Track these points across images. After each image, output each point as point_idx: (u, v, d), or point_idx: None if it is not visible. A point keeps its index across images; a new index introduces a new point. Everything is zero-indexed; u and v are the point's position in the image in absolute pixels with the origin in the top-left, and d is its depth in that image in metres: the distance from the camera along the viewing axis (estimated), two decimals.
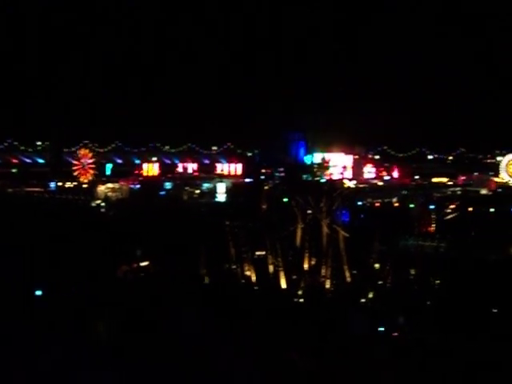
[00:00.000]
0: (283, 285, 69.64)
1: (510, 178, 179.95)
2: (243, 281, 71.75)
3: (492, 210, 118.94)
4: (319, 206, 73.74)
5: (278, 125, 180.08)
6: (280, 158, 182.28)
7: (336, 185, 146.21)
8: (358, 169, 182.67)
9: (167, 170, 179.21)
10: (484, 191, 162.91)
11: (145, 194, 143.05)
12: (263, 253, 74.42)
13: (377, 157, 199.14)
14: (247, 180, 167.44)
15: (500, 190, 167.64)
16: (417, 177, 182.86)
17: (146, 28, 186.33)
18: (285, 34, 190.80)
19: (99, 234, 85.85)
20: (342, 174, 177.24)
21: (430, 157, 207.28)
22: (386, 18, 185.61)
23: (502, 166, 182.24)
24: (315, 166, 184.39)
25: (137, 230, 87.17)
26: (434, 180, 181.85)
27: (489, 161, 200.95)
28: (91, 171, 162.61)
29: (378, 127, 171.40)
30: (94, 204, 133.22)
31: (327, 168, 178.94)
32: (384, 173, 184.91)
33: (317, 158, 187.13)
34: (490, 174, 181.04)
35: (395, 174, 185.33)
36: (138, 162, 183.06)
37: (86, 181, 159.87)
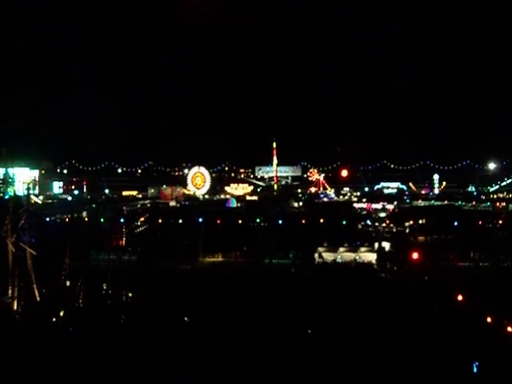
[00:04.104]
0: None
1: (196, 190, 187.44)
2: None
3: (180, 221, 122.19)
4: (4, 224, 68.61)
5: None
6: None
7: (22, 201, 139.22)
8: (45, 183, 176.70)
9: None
10: (173, 203, 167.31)
11: None
12: None
13: (65, 171, 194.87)
14: None
15: (189, 201, 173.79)
16: (107, 191, 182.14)
17: None
18: None
19: None
20: (28, 189, 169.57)
21: (119, 170, 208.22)
22: None
23: (189, 178, 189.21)
24: None
25: None
26: (125, 193, 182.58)
27: (177, 173, 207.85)
28: None
29: (65, 141, 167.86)
30: None
31: (12, 184, 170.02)
32: (73, 187, 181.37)
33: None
34: (178, 186, 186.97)
35: (84, 188, 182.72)
36: None
37: None
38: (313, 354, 49.26)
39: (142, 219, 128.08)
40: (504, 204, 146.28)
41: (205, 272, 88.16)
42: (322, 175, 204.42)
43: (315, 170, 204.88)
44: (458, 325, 54.67)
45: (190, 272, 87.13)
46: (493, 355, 47.81)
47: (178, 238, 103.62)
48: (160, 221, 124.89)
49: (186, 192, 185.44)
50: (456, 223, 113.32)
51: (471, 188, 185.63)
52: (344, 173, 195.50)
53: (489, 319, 55.99)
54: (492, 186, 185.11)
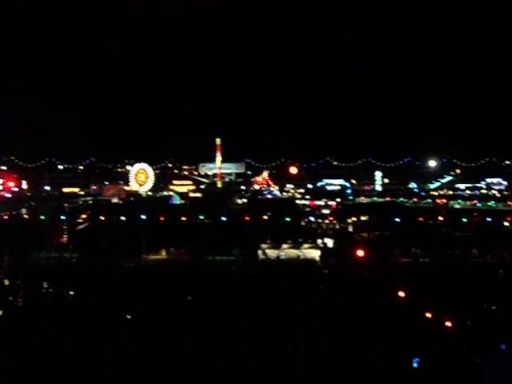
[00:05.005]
0: None
1: (139, 187, 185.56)
2: None
3: (123, 218, 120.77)
4: None
5: None
6: None
7: None
8: None
9: None
10: (115, 200, 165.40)
11: None
12: None
13: (4, 167, 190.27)
14: None
15: (132, 198, 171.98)
16: (47, 187, 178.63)
17: None
18: None
19: None
20: None
21: (60, 167, 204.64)
22: None
23: (132, 175, 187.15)
24: None
25: None
26: (66, 190, 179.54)
27: (119, 170, 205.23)
28: None
29: (3, 137, 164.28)
30: None
31: None
32: (13, 183, 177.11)
33: None
34: (121, 182, 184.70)
35: (24, 185, 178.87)
36: None
37: None
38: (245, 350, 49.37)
39: (84, 216, 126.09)
40: (444, 201, 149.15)
41: (148, 270, 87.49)
42: (266, 172, 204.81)
43: (260, 177, 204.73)
44: (400, 319, 55.46)
45: (133, 269, 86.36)
46: (433, 350, 48.62)
47: (120, 236, 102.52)
48: (102, 218, 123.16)
49: (129, 189, 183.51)
50: (398, 220, 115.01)
51: (412, 185, 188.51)
52: (293, 170, 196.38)
53: (429, 314, 56.94)
54: (432, 183, 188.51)
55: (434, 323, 55.27)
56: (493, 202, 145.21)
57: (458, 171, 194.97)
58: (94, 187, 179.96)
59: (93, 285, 72.09)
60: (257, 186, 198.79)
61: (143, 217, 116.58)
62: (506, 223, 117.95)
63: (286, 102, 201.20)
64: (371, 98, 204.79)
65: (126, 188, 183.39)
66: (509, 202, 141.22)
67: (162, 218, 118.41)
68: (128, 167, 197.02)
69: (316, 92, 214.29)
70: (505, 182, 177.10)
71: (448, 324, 54.58)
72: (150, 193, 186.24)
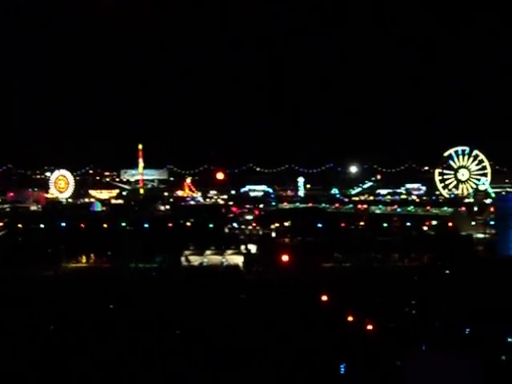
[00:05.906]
0: None
1: (59, 194, 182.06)
2: None
3: (42, 225, 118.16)
4: None
5: None
6: None
7: None
8: None
9: None
10: (34, 207, 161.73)
11: None
12: None
13: None
14: None
15: (52, 205, 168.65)
16: None
17: None
18: None
19: None
20: None
21: None
22: None
23: (51, 181, 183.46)
24: None
25: None
26: None
27: (38, 177, 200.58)
28: None
29: None
30: None
31: None
32: None
33: None
34: (40, 189, 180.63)
35: None
36: None
37: None
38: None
39: (1, 224, 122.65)
40: (365, 206, 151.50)
41: (67, 278, 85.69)
42: (189, 178, 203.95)
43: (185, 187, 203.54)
44: (322, 323, 55.87)
45: (52, 278, 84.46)
46: (356, 352, 49.07)
47: (39, 244, 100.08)
48: (20, 226, 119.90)
49: (49, 196, 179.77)
50: (320, 225, 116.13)
51: (334, 190, 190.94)
52: (219, 175, 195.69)
53: (350, 318, 57.55)
54: (354, 189, 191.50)
55: (356, 327, 55.85)
56: (412, 207, 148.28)
57: (378, 177, 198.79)
58: (12, 194, 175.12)
59: (10, 295, 70.04)
60: (180, 193, 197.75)
61: (63, 224, 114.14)
62: (425, 227, 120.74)
63: (209, 108, 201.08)
64: (293, 105, 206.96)
65: (46, 195, 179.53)
66: (427, 207, 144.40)
67: (82, 226, 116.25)
68: (47, 174, 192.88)
69: (238, 97, 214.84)
70: (424, 188, 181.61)
71: (370, 327, 55.24)
72: (70, 200, 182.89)
